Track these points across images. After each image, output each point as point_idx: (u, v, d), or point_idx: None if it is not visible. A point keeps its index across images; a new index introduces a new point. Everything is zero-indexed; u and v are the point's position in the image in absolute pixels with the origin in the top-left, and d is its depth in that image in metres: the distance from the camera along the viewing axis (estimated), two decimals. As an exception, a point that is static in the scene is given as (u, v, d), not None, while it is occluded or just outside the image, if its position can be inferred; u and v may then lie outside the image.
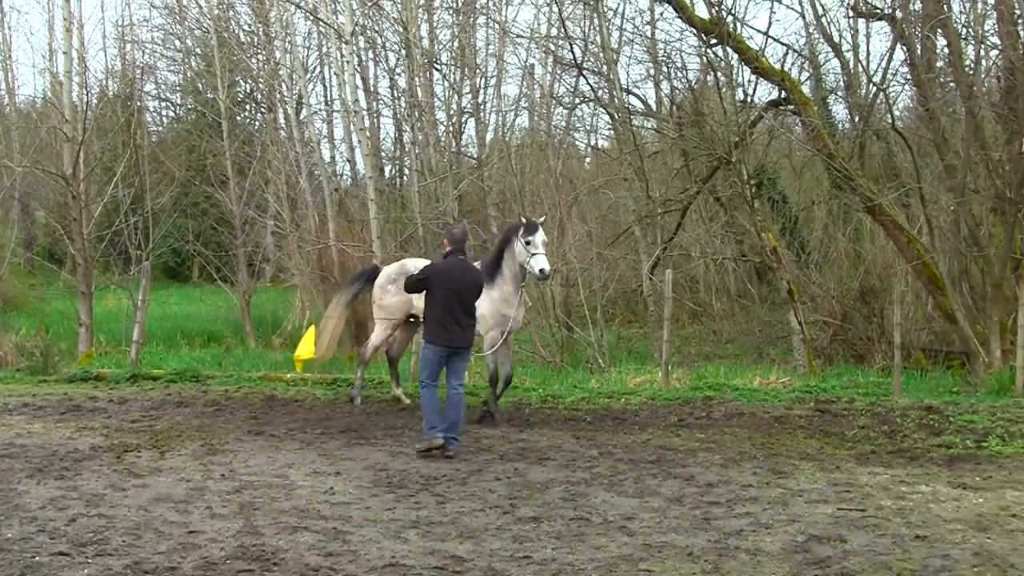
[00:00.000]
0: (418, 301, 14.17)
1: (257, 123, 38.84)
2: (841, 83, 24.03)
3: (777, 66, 21.98)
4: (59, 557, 8.24)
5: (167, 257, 40.40)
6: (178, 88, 46.34)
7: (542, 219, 14.72)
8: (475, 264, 14.05)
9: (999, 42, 19.56)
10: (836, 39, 22.70)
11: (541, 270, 14.25)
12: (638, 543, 8.95)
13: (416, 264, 15.20)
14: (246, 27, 36.10)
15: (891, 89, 22.23)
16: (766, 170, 25.45)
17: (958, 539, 8.99)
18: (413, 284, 13.42)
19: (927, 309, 21.53)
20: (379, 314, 16.07)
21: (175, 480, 11.17)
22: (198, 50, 39.65)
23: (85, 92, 28.40)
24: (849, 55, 23.04)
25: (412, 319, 15.70)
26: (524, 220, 14.68)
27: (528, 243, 14.29)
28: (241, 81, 38.51)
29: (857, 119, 21.68)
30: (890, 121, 21.43)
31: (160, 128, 48.10)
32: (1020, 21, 18.77)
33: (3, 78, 47.65)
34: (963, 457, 12.50)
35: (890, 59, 20.91)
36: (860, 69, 22.79)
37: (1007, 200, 18.05)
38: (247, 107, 41.10)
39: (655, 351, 21.73)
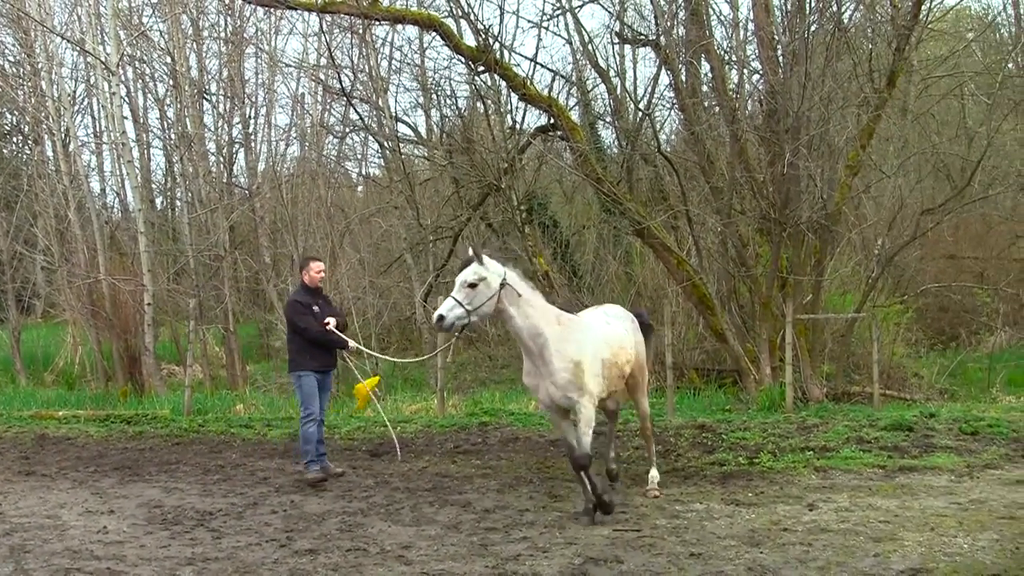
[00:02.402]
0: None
1: (24, 156, 37.58)
2: (609, 108, 24.25)
3: (545, 92, 22.09)
4: None
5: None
6: (-59, 120, 44.45)
7: (471, 251, 10.70)
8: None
9: (760, 67, 20.03)
10: (603, 65, 22.91)
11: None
12: (416, 572, 8.91)
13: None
14: (11, 57, 34.93)
15: (657, 114, 22.59)
16: (536, 195, 25.54)
17: (732, 555, 9.08)
18: None
19: (698, 329, 21.85)
20: None
21: (-58, 526, 10.83)
22: (-39, 81, 38.08)
23: None
24: (616, 81, 23.31)
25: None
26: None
27: None
28: (7, 113, 37.32)
29: (624, 144, 21.89)
30: (657, 145, 21.71)
31: (-78, 161, 46.01)
32: (779, 47, 19.24)
33: None
34: (736, 474, 12.70)
35: (655, 84, 21.20)
36: (627, 94, 23.05)
37: (772, 220, 18.45)
38: (13, 139, 39.85)
39: (430, 378, 21.67)
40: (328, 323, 13.30)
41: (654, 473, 11.98)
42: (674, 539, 9.66)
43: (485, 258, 10.52)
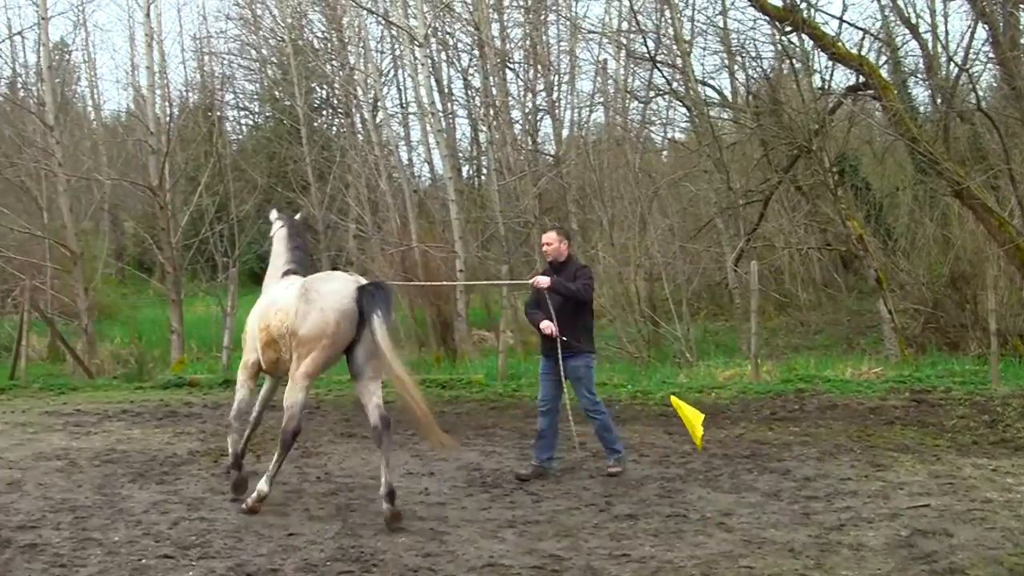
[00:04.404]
0: None
1: (335, 128, 39.09)
2: (921, 65, 23.72)
3: (854, 51, 21.72)
4: (164, 560, 8.31)
5: (253, 263, 40.59)
6: (256, 97, 46.53)
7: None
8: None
9: (1086, 17, 19.23)
10: (913, 20, 22.44)
11: None
12: (737, 539, 8.79)
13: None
14: (320, 34, 36.49)
15: (974, 69, 21.94)
16: (847, 157, 25.15)
17: (1071, 532, 8.67)
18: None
19: (1022, 294, 21.16)
20: None
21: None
22: (274, 59, 39.92)
23: (167, 105, 28.95)
24: (928, 36, 22.77)
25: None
26: None
27: None
28: (317, 87, 38.86)
29: (940, 101, 21.40)
30: (975, 102, 21.08)
31: (240, 137, 48.11)
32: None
33: (89, 94, 47.86)
34: (1070, 447, 12.18)
35: (971, 38, 20.64)
36: (940, 50, 22.48)
37: (1104, 178, 17.71)
38: (324, 113, 41.42)
39: (743, 344, 21.61)
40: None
41: (261, 485, 9.91)
42: (1007, 513, 9.31)
43: (274, 213, 11.42)
